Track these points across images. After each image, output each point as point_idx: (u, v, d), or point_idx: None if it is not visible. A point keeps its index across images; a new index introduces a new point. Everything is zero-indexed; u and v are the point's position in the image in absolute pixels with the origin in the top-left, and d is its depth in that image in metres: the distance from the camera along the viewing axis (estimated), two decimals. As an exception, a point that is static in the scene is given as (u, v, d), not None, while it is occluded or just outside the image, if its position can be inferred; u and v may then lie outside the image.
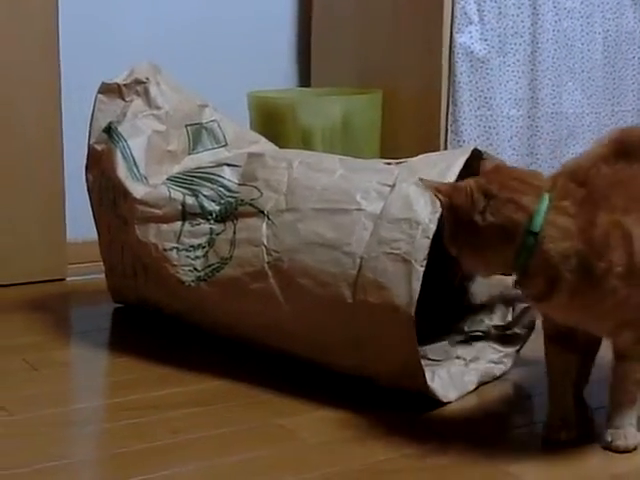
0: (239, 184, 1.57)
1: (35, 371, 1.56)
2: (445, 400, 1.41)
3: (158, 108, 1.68)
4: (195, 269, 1.55)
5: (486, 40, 1.89)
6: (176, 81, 1.75)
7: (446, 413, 1.40)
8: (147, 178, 1.62)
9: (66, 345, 1.68)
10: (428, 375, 1.38)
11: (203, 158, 1.66)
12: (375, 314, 1.38)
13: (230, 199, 1.55)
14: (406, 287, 1.34)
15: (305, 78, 2.33)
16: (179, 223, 1.57)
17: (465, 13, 1.87)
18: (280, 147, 1.91)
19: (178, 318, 1.65)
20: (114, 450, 1.28)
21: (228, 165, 1.60)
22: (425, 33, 1.93)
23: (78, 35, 2.07)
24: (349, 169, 1.49)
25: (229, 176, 1.59)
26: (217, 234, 1.54)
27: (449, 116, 1.90)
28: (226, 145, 1.69)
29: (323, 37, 2.24)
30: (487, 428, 1.37)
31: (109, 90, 1.71)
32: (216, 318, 1.57)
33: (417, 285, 1.33)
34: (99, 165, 1.68)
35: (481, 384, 1.48)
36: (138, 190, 1.61)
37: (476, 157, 1.40)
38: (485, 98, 1.90)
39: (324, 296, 1.42)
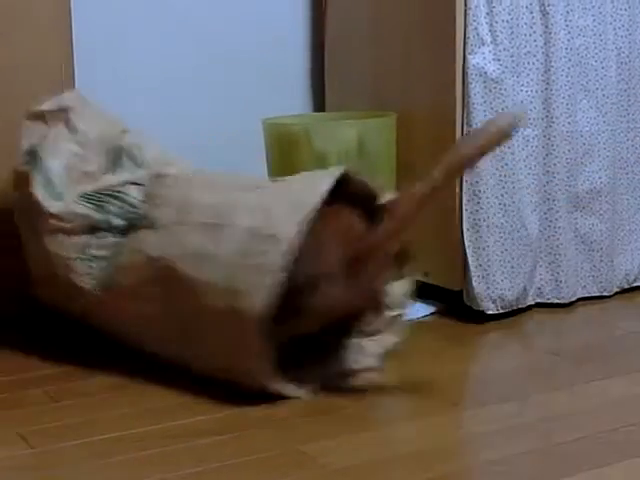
0: (142, 201, 1.72)
1: (56, 402, 1.56)
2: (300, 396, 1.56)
3: (78, 133, 1.82)
4: (93, 278, 1.71)
5: (499, 60, 1.89)
6: (101, 109, 1.89)
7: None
8: (64, 195, 1.76)
9: (87, 376, 1.68)
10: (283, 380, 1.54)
11: (119, 178, 1.78)
12: (240, 321, 1.51)
13: (133, 215, 1.71)
14: (263, 298, 1.48)
15: (319, 103, 2.34)
16: (85, 236, 1.73)
17: (477, 34, 1.87)
18: (296, 173, 1.92)
19: (81, 322, 1.78)
20: (137, 480, 1.28)
21: (134, 184, 1.76)
22: (438, 55, 1.93)
23: (94, 74, 2.08)
24: (237, 188, 1.65)
25: (134, 194, 1.75)
26: (120, 246, 1.70)
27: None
28: (142, 166, 1.81)
29: (336, 62, 2.25)
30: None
31: (35, 116, 1.84)
32: (112, 324, 1.73)
33: (272, 296, 1.47)
34: (21, 185, 1.81)
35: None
36: (51, 206, 1.75)
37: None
38: (500, 118, 1.90)
39: (200, 303, 1.56)
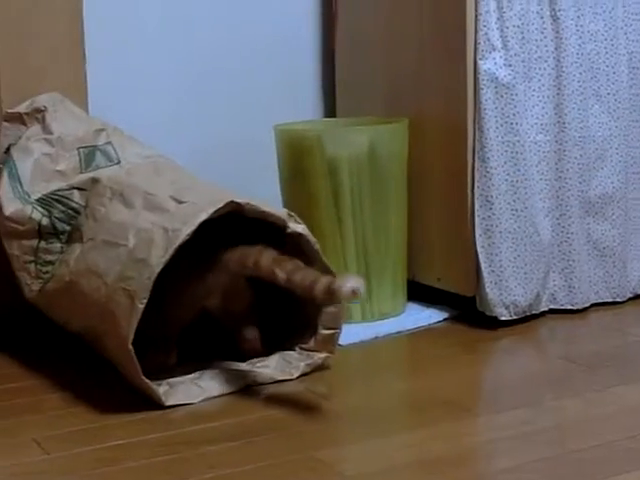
0: (84, 207, 1.75)
1: (70, 408, 1.56)
2: (192, 401, 1.57)
3: (50, 133, 1.84)
4: (42, 281, 1.75)
5: (510, 66, 1.89)
6: (78, 110, 1.93)
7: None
8: (30, 195, 1.78)
9: (100, 382, 1.68)
10: (163, 389, 1.56)
11: (70, 181, 1.80)
12: (112, 340, 1.57)
13: (74, 222, 1.75)
14: (128, 320, 1.50)
15: (330, 109, 2.34)
16: (36, 240, 1.76)
17: (488, 39, 1.87)
18: (307, 179, 1.93)
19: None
20: (151, 487, 1.28)
21: (77, 189, 1.77)
22: (449, 61, 1.92)
23: (106, 77, 2.09)
24: (144, 207, 1.64)
25: (77, 199, 1.77)
26: (62, 253, 1.73)
27: (476, 143, 1.89)
28: (119, 163, 1.82)
29: (347, 68, 2.25)
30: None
31: (12, 118, 1.89)
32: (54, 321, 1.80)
33: (135, 320, 1.49)
34: None
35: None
36: (9, 207, 1.78)
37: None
38: (511, 124, 1.89)
39: (88, 318, 1.63)
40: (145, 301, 1.50)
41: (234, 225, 1.64)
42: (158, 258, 1.52)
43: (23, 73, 1.95)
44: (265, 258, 1.55)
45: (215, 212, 1.56)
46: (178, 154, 1.92)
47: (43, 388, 1.65)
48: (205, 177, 1.83)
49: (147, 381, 1.53)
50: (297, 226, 1.65)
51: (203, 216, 1.55)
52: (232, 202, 1.58)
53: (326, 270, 1.66)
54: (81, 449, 1.40)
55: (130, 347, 1.50)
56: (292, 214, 1.66)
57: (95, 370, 1.72)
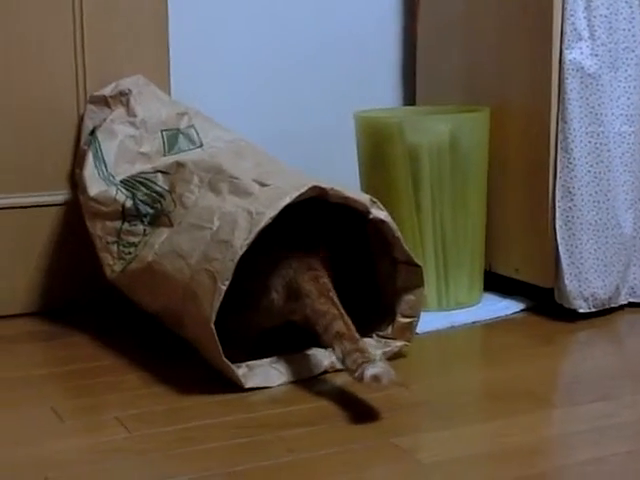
0: (168, 191, 1.75)
1: (150, 388, 1.58)
2: (271, 385, 1.58)
3: (134, 116, 1.89)
4: (125, 262, 1.77)
5: (597, 56, 1.86)
6: (162, 93, 1.96)
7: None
8: (114, 176, 1.82)
9: (179, 362, 1.70)
10: (242, 372, 1.56)
11: (155, 164, 1.82)
12: (194, 321, 1.57)
13: (159, 205, 1.75)
14: (210, 301, 1.51)
15: (410, 97, 2.33)
16: (119, 222, 1.79)
17: (575, 29, 1.85)
18: (387, 167, 1.92)
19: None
20: (229, 468, 1.29)
21: (161, 172, 1.79)
22: (534, 50, 1.91)
23: (189, 62, 2.11)
24: (231, 191, 1.65)
25: (161, 183, 1.78)
26: (146, 235, 1.75)
27: (559, 133, 1.87)
28: (202, 146, 1.85)
29: (428, 54, 2.24)
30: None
31: (97, 100, 1.94)
32: (135, 303, 1.82)
33: (218, 301, 1.50)
34: (79, 165, 1.92)
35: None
36: (94, 188, 1.82)
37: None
38: (596, 115, 1.87)
39: (171, 299, 1.63)
40: (227, 282, 1.51)
41: (314, 211, 1.65)
42: (242, 240, 1.52)
43: (107, 57, 1.98)
44: (337, 326, 1.52)
45: (299, 196, 1.57)
46: (257, 140, 1.93)
47: (123, 368, 1.68)
48: (282, 161, 1.84)
49: (228, 362, 1.54)
50: (380, 213, 1.65)
51: (287, 200, 1.55)
52: (316, 187, 1.58)
53: (406, 257, 1.66)
54: (161, 429, 1.42)
55: (212, 327, 1.51)
56: (375, 200, 1.65)
57: (173, 351, 1.74)
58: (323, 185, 1.59)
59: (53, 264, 1.98)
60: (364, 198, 1.65)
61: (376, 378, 1.41)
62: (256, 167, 1.72)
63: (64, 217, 1.98)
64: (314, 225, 1.65)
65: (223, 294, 1.51)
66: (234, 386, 1.56)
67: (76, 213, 1.95)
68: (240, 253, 1.52)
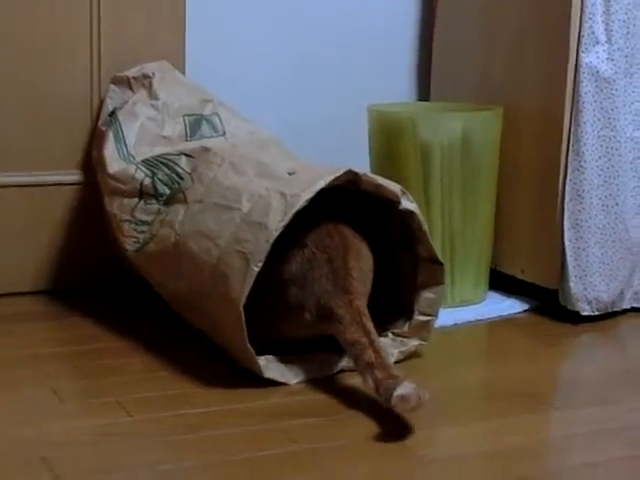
0: (189, 173, 1.74)
1: (152, 372, 1.59)
2: (287, 382, 1.55)
3: (157, 99, 1.89)
4: (137, 241, 1.76)
5: (613, 60, 1.86)
6: (187, 79, 1.98)
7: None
8: (135, 157, 1.82)
9: (182, 347, 1.70)
10: (261, 362, 1.53)
11: (178, 147, 1.82)
12: (222, 302, 1.53)
13: (176, 186, 1.73)
14: (241, 283, 1.48)
15: (424, 92, 2.33)
16: (136, 200, 1.78)
17: (593, 32, 1.85)
18: (398, 162, 1.93)
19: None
20: (229, 457, 1.30)
21: (186, 155, 1.78)
22: (550, 52, 1.91)
23: (205, 48, 2.11)
24: (258, 174, 1.64)
25: (184, 165, 1.76)
26: (161, 214, 1.73)
27: (571, 136, 1.87)
28: (224, 134, 1.85)
29: (445, 52, 2.24)
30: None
31: (119, 81, 1.94)
32: (149, 284, 1.80)
33: (250, 282, 1.48)
34: (98, 144, 1.91)
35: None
36: (113, 166, 1.83)
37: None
38: (609, 119, 1.87)
39: (196, 280, 1.60)
40: (261, 264, 1.49)
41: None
42: (276, 222, 1.50)
43: (123, 41, 1.98)
44: (367, 356, 1.47)
45: (334, 180, 1.55)
46: (270, 130, 1.93)
47: (128, 351, 1.68)
48: (295, 153, 1.84)
49: (251, 349, 1.51)
50: (410, 204, 1.63)
51: (322, 183, 1.53)
52: (350, 171, 1.56)
53: (430, 254, 1.66)
54: (163, 414, 1.43)
55: (241, 310, 1.48)
56: (405, 191, 1.63)
57: (179, 337, 1.75)
58: (357, 170, 1.57)
59: (62, 244, 1.99)
60: (395, 187, 1.62)
61: (403, 398, 1.38)
62: (280, 158, 1.72)
63: (75, 197, 1.98)
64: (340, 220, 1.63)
65: (255, 276, 1.49)
66: (238, 375, 1.56)
67: (87, 194, 1.96)
68: (275, 235, 1.49)
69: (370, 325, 1.52)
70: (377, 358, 1.46)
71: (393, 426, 1.40)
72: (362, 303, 1.56)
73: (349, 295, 1.55)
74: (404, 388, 1.38)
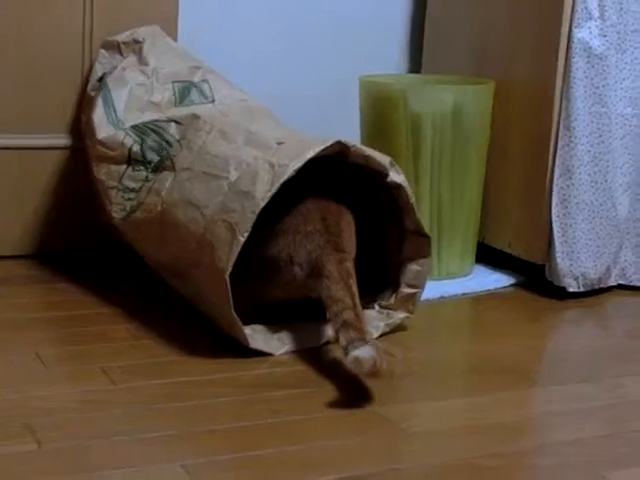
0: (178, 140, 1.72)
1: (136, 340, 1.59)
2: (273, 353, 1.55)
3: (146, 64, 1.87)
4: (124, 209, 1.74)
5: (605, 36, 1.85)
6: (177, 46, 1.96)
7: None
8: (124, 122, 1.80)
9: (167, 314, 1.70)
10: (247, 332, 1.53)
11: (168, 114, 1.80)
12: (208, 272, 1.53)
13: (165, 152, 1.72)
14: (227, 253, 1.48)
15: (415, 64, 2.32)
16: (124, 166, 1.76)
17: (586, 8, 1.84)
18: (389, 134, 1.92)
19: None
20: (212, 426, 1.30)
21: (176, 122, 1.76)
22: (543, 26, 1.90)
23: (197, 15, 2.09)
24: (246, 143, 1.63)
25: (173, 132, 1.75)
26: (149, 181, 1.71)
27: (562, 111, 1.87)
28: (213, 102, 1.83)
29: (437, 24, 2.23)
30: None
31: (110, 46, 1.93)
32: (136, 251, 1.79)
33: (236, 252, 1.48)
34: (86, 110, 1.90)
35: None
36: (102, 132, 1.81)
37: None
38: (600, 95, 1.87)
39: (182, 249, 1.60)
40: (247, 234, 1.48)
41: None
42: (264, 192, 1.49)
43: (116, 5, 1.96)
44: (346, 315, 1.47)
45: (323, 150, 1.54)
46: (261, 99, 1.92)
47: (113, 318, 1.67)
48: (286, 124, 1.83)
49: (236, 317, 1.51)
50: (398, 177, 1.62)
51: (311, 153, 1.52)
52: (339, 142, 1.56)
53: (416, 226, 1.66)
54: (146, 382, 1.43)
55: (227, 279, 1.48)
56: (394, 163, 1.63)
57: (166, 305, 1.74)
58: (345, 141, 1.57)
59: (50, 207, 1.98)
60: (384, 159, 1.61)
61: (357, 360, 1.38)
62: (270, 127, 1.71)
63: (64, 161, 1.97)
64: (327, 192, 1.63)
65: (240, 246, 1.48)
66: (224, 343, 1.56)
67: (76, 158, 1.95)
68: (262, 205, 1.49)
69: (355, 289, 1.53)
70: (355, 320, 1.46)
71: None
72: (351, 265, 1.56)
73: (341, 253, 1.56)
74: (363, 351, 1.38)
